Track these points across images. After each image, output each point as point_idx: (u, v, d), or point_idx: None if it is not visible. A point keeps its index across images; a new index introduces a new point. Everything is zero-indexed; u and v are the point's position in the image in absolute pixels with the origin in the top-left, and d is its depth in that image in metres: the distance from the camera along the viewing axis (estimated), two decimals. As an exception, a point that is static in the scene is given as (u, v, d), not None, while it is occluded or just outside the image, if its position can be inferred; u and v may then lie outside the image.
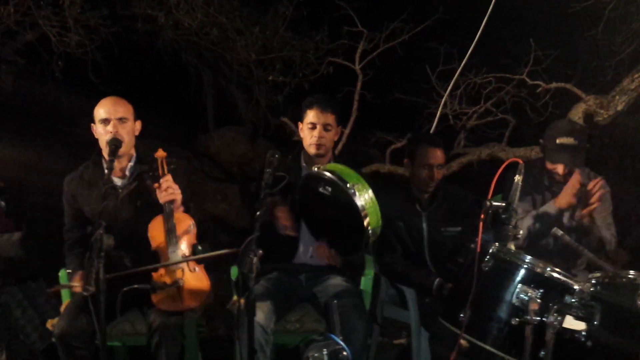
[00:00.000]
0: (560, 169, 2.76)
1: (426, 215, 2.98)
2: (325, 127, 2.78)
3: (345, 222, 2.45)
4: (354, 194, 2.34)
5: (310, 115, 2.79)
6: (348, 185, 2.36)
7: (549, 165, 2.81)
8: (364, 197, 2.37)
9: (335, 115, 2.80)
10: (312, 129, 2.80)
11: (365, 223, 2.35)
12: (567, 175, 2.76)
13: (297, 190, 2.65)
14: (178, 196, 2.58)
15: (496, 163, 2.30)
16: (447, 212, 2.99)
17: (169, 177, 2.58)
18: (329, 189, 2.44)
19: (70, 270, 2.69)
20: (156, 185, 2.57)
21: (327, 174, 2.44)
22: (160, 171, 2.61)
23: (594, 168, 3.03)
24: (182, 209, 2.65)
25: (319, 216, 2.63)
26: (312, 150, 2.81)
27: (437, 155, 2.92)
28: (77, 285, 2.57)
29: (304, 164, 2.88)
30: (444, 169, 3.00)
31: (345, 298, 2.57)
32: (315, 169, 2.53)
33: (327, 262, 2.70)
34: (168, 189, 2.55)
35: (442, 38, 5.46)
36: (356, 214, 2.34)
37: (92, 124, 2.68)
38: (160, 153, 2.65)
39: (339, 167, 2.51)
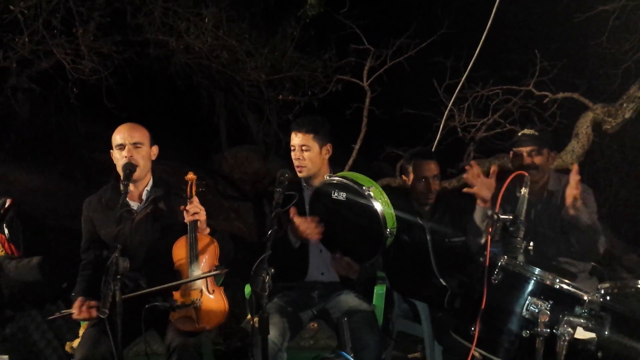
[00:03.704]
0: (524, 153, 2.85)
1: (429, 227, 3.02)
2: (302, 148, 2.80)
3: (361, 226, 2.45)
4: (370, 196, 2.36)
5: (291, 138, 2.85)
6: (364, 187, 2.38)
7: (516, 158, 2.90)
8: (379, 198, 2.38)
9: (313, 135, 2.79)
10: (293, 151, 2.84)
11: (383, 224, 2.35)
12: (531, 167, 2.82)
13: (309, 203, 2.67)
14: (203, 217, 2.62)
15: (506, 174, 2.33)
16: (450, 222, 3.03)
17: (195, 199, 2.62)
18: (343, 194, 2.45)
19: (73, 294, 2.71)
20: (182, 207, 2.61)
21: (342, 179, 2.46)
22: (189, 192, 2.66)
23: (604, 175, 3.07)
24: (207, 230, 2.69)
25: (332, 225, 2.62)
26: (296, 172, 2.84)
27: (432, 167, 3.02)
28: (74, 312, 2.57)
29: (304, 184, 2.92)
30: (440, 179, 3.08)
31: (357, 314, 2.59)
32: (327, 177, 2.55)
33: (344, 274, 2.71)
34: (192, 210, 2.59)
35: (447, 52, 5.52)
36: (374, 215, 2.35)
37: (111, 151, 2.75)
38: (191, 176, 2.69)
39: (352, 174, 2.55)
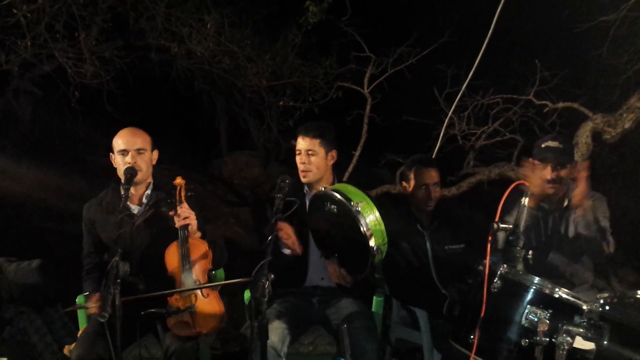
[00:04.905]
0: (548, 170, 2.79)
1: (429, 234, 3.02)
2: (308, 153, 2.79)
3: (351, 241, 2.45)
4: (358, 212, 2.34)
5: (297, 142, 2.84)
6: (352, 203, 2.36)
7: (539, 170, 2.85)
8: (368, 215, 2.36)
9: (320, 140, 2.79)
10: (298, 155, 2.84)
11: (369, 241, 2.34)
12: (556, 182, 2.80)
13: (307, 210, 2.67)
14: (193, 222, 2.63)
15: (506, 182, 2.32)
16: (449, 230, 3.04)
17: (185, 204, 2.63)
18: (335, 207, 2.46)
19: (87, 293, 2.74)
20: (172, 212, 2.63)
21: (333, 192, 2.46)
22: (178, 197, 2.67)
23: (604, 185, 3.08)
24: (198, 234, 2.70)
25: (327, 235, 2.64)
26: (301, 177, 2.84)
27: (432, 174, 3.02)
28: (93, 306, 2.61)
29: (306, 189, 2.92)
30: (440, 187, 3.08)
31: (356, 320, 2.59)
32: (322, 188, 2.55)
33: (338, 282, 2.72)
34: (182, 215, 2.60)
35: (448, 60, 5.54)
36: (360, 232, 2.34)
37: (111, 153, 2.76)
38: (179, 180, 2.70)
39: (345, 186, 2.53)
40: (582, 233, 2.80)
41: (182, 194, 2.68)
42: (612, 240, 2.80)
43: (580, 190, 2.73)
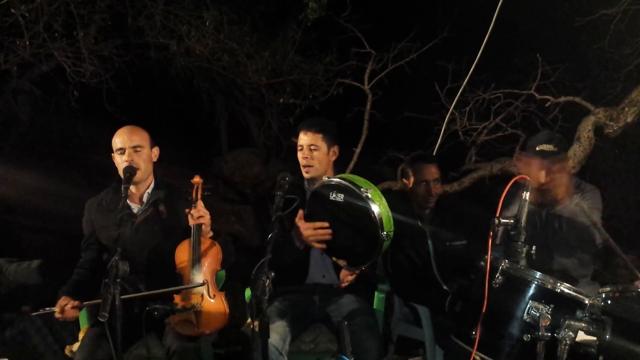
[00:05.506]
0: (541, 175, 2.74)
1: (430, 231, 3.01)
2: (310, 148, 2.78)
3: (358, 228, 2.44)
4: (368, 197, 2.35)
5: (299, 138, 2.83)
6: (362, 189, 2.36)
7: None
8: (377, 201, 2.37)
9: (322, 135, 2.79)
10: (300, 151, 2.83)
11: (379, 226, 2.34)
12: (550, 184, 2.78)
13: (305, 207, 2.62)
14: (207, 221, 2.63)
15: (508, 178, 2.31)
16: (451, 226, 3.02)
17: (200, 203, 2.62)
18: (341, 195, 2.44)
19: (60, 291, 2.68)
20: (187, 210, 2.62)
21: (339, 180, 2.45)
22: (194, 196, 2.66)
23: (607, 179, 3.06)
24: (210, 234, 2.70)
25: (330, 227, 2.58)
26: (303, 173, 2.83)
27: (432, 170, 3.02)
28: (57, 310, 2.56)
29: (306, 185, 2.91)
30: (441, 183, 3.08)
31: (357, 317, 2.58)
32: (326, 178, 2.54)
33: (348, 282, 2.69)
34: (196, 214, 2.59)
35: (449, 56, 5.52)
36: (370, 217, 2.34)
37: (112, 154, 2.75)
38: (197, 179, 2.70)
39: (351, 176, 2.54)
40: (573, 226, 2.78)
41: (199, 193, 2.67)
42: (598, 234, 2.77)
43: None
